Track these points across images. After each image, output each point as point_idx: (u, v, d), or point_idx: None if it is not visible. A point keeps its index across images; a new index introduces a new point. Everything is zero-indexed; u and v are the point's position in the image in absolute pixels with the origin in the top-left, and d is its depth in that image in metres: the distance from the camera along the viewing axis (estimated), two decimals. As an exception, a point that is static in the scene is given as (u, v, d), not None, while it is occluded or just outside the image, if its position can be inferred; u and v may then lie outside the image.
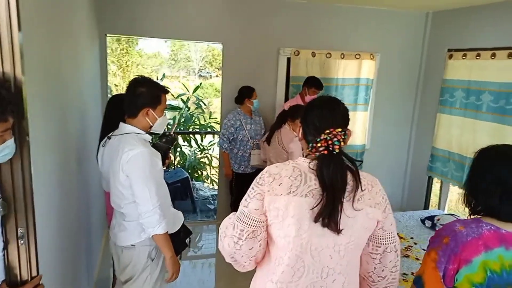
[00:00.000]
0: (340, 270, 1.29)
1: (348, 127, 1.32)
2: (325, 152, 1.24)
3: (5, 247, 1.14)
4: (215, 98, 13.67)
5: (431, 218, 3.88)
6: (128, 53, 10.62)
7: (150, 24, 3.81)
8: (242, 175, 3.92)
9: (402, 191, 5.01)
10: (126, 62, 10.41)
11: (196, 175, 6.35)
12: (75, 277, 2.28)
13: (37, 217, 1.18)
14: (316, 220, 1.23)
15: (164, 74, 7.38)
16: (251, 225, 1.30)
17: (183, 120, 6.42)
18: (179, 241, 2.10)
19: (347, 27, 4.36)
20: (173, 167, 5.95)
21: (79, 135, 2.56)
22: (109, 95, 3.98)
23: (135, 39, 10.66)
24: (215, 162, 6.60)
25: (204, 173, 6.50)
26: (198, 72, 16.29)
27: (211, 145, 6.51)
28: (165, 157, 2.24)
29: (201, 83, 7.90)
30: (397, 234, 1.38)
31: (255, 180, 1.34)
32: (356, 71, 4.45)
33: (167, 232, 1.90)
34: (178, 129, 6.29)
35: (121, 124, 1.94)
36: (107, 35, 3.81)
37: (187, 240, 2.23)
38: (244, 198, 1.34)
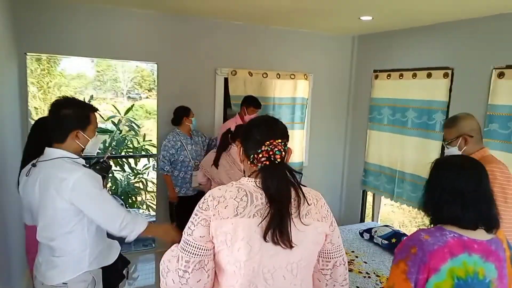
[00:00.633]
0: None
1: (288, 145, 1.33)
2: (267, 162, 1.24)
3: None
4: (146, 120, 13.25)
5: (368, 230, 4.04)
6: (50, 74, 9.88)
7: (78, 42, 3.56)
8: (183, 198, 3.76)
9: (339, 205, 5.18)
10: (48, 83, 9.67)
11: (130, 202, 6.00)
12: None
13: None
14: (265, 236, 1.19)
15: (92, 95, 6.97)
16: (198, 255, 1.22)
17: (114, 143, 6.07)
18: (116, 272, 1.97)
19: (282, 48, 4.47)
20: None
21: None
22: (30, 119, 3.62)
23: (57, 59, 9.98)
24: (151, 187, 6.31)
25: (139, 198, 6.17)
26: (127, 94, 15.76)
27: (146, 169, 6.22)
28: None
29: (133, 105, 7.59)
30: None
31: (197, 205, 1.27)
32: (292, 90, 4.56)
33: (148, 222, 1.83)
34: (110, 154, 5.92)
35: (48, 149, 1.76)
36: (27, 54, 3.48)
37: (124, 271, 2.09)
38: (187, 226, 1.26)
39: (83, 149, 1.82)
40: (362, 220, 4.94)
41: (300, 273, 1.26)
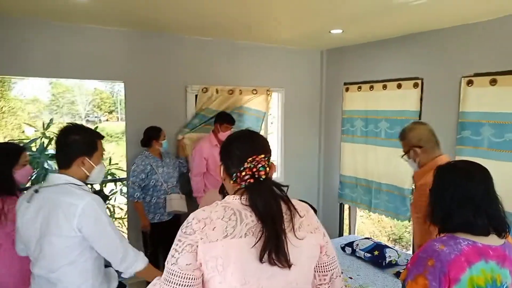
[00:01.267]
0: None
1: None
2: (251, 180, 1.16)
3: None
4: (107, 143, 12.81)
5: (350, 244, 3.97)
6: (4, 98, 9.34)
7: (36, 62, 3.32)
8: (158, 224, 3.53)
9: (316, 221, 5.11)
10: (2, 108, 9.12)
11: (97, 230, 5.64)
12: None
13: None
14: (261, 258, 1.09)
15: (51, 119, 6.59)
16: (185, 285, 1.09)
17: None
18: None
19: (252, 63, 4.42)
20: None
21: None
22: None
23: (11, 82, 9.46)
24: (118, 213, 5.99)
25: (106, 226, 5.82)
26: (86, 117, 15.29)
27: (112, 194, 5.90)
28: None
29: (97, 127, 7.25)
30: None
31: (180, 231, 1.14)
32: (253, 104, 4.43)
33: (148, 263, 1.80)
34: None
35: (52, 175, 1.71)
36: (-20, 76, 3.20)
37: None
38: (170, 255, 1.13)
39: (88, 176, 1.77)
40: (341, 234, 4.89)
41: None
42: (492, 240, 1.28)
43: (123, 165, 5.37)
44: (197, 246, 1.10)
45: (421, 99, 3.70)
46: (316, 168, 5.08)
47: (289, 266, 1.12)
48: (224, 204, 1.17)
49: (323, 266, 1.27)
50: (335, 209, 4.89)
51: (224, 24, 3.50)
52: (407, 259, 3.50)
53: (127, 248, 1.73)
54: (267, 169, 1.19)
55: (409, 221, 3.93)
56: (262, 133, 4.65)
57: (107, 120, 15.78)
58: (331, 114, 4.87)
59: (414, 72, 3.75)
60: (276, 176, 4.85)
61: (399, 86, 3.89)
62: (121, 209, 5.95)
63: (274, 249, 1.10)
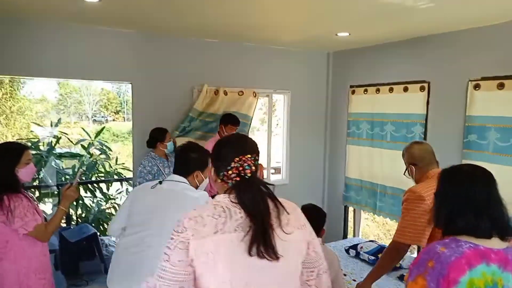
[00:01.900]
0: None
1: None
2: (237, 178, 1.23)
3: None
4: (113, 143, 12.92)
5: (354, 247, 3.97)
6: (13, 98, 9.43)
7: (47, 63, 3.37)
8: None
9: (321, 223, 5.10)
10: (11, 108, 9.21)
11: (102, 229, 5.67)
12: None
13: None
14: (250, 251, 1.15)
15: (59, 118, 6.65)
16: (177, 281, 1.14)
17: (84, 168, 5.77)
18: None
19: (258, 65, 4.44)
20: (74, 223, 5.23)
21: None
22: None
23: (20, 82, 9.56)
24: (124, 212, 6.04)
25: (112, 225, 5.86)
26: (93, 117, 15.42)
27: (118, 193, 5.94)
28: None
29: (103, 127, 7.32)
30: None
31: (172, 230, 1.21)
32: (241, 107, 4.35)
33: None
34: (80, 179, 5.62)
35: (174, 175, 2.08)
36: (-10, 75, 3.25)
37: None
38: (163, 253, 1.19)
39: (197, 186, 2.11)
40: (345, 236, 4.88)
41: (288, 285, 1.24)
42: (495, 244, 1.28)
43: (129, 165, 5.42)
44: (189, 243, 1.15)
45: (427, 103, 3.69)
46: (321, 171, 5.08)
47: (277, 258, 1.17)
48: (215, 202, 1.23)
49: (311, 262, 1.31)
50: (339, 211, 4.88)
51: (231, 26, 3.52)
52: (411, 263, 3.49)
53: None
54: (253, 167, 1.25)
55: (414, 225, 3.92)
56: (265, 135, 4.68)
57: (113, 120, 15.91)
58: (336, 117, 4.87)
59: (421, 75, 3.74)
60: (280, 177, 4.87)
61: (405, 89, 3.89)
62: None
63: (261, 242, 1.15)
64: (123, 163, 6.27)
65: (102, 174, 6.06)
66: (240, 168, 1.23)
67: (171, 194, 1.98)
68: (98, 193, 5.68)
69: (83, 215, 5.61)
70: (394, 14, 2.96)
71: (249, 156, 1.26)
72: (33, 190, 5.15)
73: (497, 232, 1.29)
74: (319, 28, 3.54)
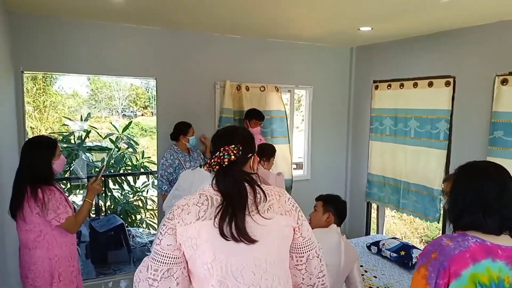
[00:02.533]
0: (266, 285, 1.28)
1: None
2: (217, 167, 1.32)
3: None
4: (142, 138, 13.23)
5: (376, 243, 3.95)
6: (46, 93, 9.84)
7: (76, 59, 3.51)
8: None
9: (343, 219, 5.08)
10: (44, 103, 9.61)
11: (130, 220, 5.88)
12: None
13: None
14: (221, 232, 1.24)
15: (89, 113, 6.90)
16: (166, 263, 1.27)
17: (113, 161, 5.98)
18: None
19: (281, 61, 4.45)
20: (103, 214, 5.44)
21: None
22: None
23: (53, 78, 9.95)
24: (150, 204, 6.21)
25: (139, 217, 6.05)
26: (122, 112, 15.79)
27: (145, 186, 6.12)
28: None
29: (130, 122, 7.53)
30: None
31: (165, 216, 1.36)
32: (270, 104, 4.38)
33: None
34: (108, 172, 5.82)
35: None
36: (24, 72, 3.42)
37: None
38: (156, 237, 1.37)
39: None
40: (367, 233, 4.85)
41: (270, 268, 1.29)
42: (504, 240, 1.28)
43: (155, 159, 5.57)
44: (176, 229, 1.27)
45: (453, 98, 3.61)
46: (343, 166, 5.05)
47: (253, 241, 1.25)
48: (201, 192, 1.35)
49: (299, 248, 1.37)
50: (362, 207, 4.85)
51: (253, 22, 3.55)
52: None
53: None
54: (232, 157, 1.32)
55: (438, 222, 3.85)
56: (305, 131, 4.72)
57: (142, 115, 16.24)
58: (359, 112, 4.82)
59: (446, 70, 3.66)
60: (302, 173, 4.88)
61: (430, 85, 3.81)
62: (153, 201, 6.16)
63: (231, 223, 1.24)
64: (149, 157, 6.45)
65: (129, 167, 6.26)
66: (222, 157, 1.32)
67: (205, 174, 2.33)
68: (125, 186, 5.88)
69: (112, 206, 5.82)
70: (417, 8, 2.91)
71: (232, 146, 1.33)
72: (64, 182, 5.39)
73: (507, 229, 1.28)
74: (341, 22, 3.52)
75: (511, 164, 3.00)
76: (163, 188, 3.60)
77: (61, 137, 5.94)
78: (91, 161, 5.88)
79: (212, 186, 1.34)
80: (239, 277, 1.26)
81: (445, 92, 3.65)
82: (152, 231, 5.63)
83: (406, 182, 4.13)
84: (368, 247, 3.92)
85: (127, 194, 5.97)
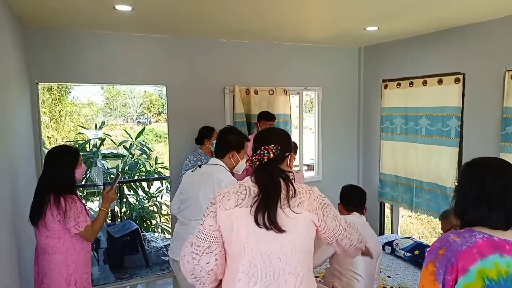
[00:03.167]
0: (290, 271, 1.44)
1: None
2: (257, 163, 1.52)
3: None
4: (156, 144, 13.37)
5: (390, 243, 3.93)
6: (61, 103, 10.07)
7: (88, 69, 3.61)
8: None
9: (356, 219, 5.06)
10: (59, 112, 9.84)
11: (145, 226, 5.96)
12: None
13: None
14: (256, 220, 1.41)
15: (103, 121, 7.05)
16: (207, 241, 1.48)
17: (127, 167, 6.08)
18: None
19: (288, 64, 4.47)
20: (119, 220, 5.54)
21: (12, 199, 2.34)
22: (44, 149, 3.66)
23: (68, 88, 10.18)
24: (165, 209, 6.28)
25: (154, 222, 6.14)
26: (137, 119, 15.99)
27: (159, 192, 6.20)
28: None
29: (143, 129, 7.66)
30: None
31: (209, 202, 1.55)
32: (278, 107, 4.39)
33: None
34: (122, 178, 5.92)
35: (213, 159, 2.40)
36: (39, 83, 3.54)
37: None
38: (200, 218, 1.53)
39: (234, 166, 2.39)
40: (381, 233, 4.82)
41: (295, 256, 1.45)
42: (511, 236, 1.28)
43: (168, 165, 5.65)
44: (217, 212, 1.48)
45: (463, 95, 3.57)
46: (355, 167, 5.03)
47: (282, 231, 1.41)
48: (241, 182, 1.55)
49: (327, 238, 1.57)
50: (375, 207, 4.82)
51: (260, 27, 3.59)
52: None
53: None
54: (271, 155, 1.51)
55: (452, 221, 3.80)
56: (297, 130, 4.71)
57: (156, 121, 16.41)
58: (369, 112, 4.81)
59: (455, 67, 3.63)
60: (313, 174, 4.88)
61: (439, 82, 3.78)
62: (167, 206, 6.23)
63: (265, 213, 1.41)
64: (162, 163, 6.54)
65: (144, 173, 6.36)
66: (262, 155, 1.51)
67: (204, 175, 2.33)
68: (140, 191, 5.97)
69: (127, 212, 5.92)
70: (424, 6, 2.90)
71: (272, 145, 1.53)
72: (80, 189, 5.51)
73: None
74: (347, 23, 3.53)
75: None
76: None
77: (77, 146, 6.08)
78: (106, 168, 6.00)
79: (251, 179, 1.52)
80: (267, 260, 1.43)
81: (455, 89, 3.62)
82: (167, 236, 5.69)
83: (419, 180, 4.10)
84: (382, 247, 3.89)
85: (142, 200, 6.06)
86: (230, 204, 1.47)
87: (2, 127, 2.26)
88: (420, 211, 4.14)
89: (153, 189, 6.22)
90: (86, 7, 2.82)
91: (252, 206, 1.44)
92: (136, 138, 6.48)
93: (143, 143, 6.74)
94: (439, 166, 3.85)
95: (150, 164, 6.51)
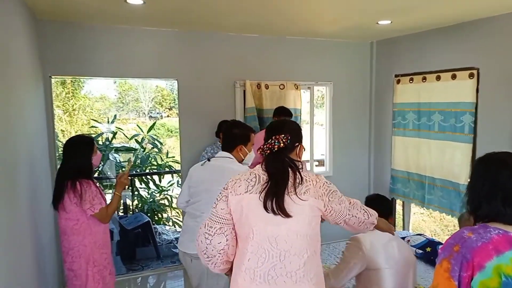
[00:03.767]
0: (295, 252, 1.53)
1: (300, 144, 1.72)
2: (268, 152, 1.63)
3: None
4: (168, 138, 13.47)
5: (400, 239, 3.90)
6: (74, 97, 10.21)
7: (101, 63, 3.64)
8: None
9: (367, 215, 5.03)
10: (73, 106, 9.98)
11: (157, 218, 6.03)
12: None
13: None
14: (265, 205, 1.52)
15: (115, 115, 7.12)
16: (219, 222, 1.61)
17: (139, 161, 6.15)
18: None
19: (300, 58, 4.45)
20: (131, 212, 5.61)
21: (30, 189, 2.45)
22: (58, 142, 3.71)
23: (81, 82, 10.31)
24: (176, 203, 6.34)
25: (165, 215, 6.20)
26: (149, 113, 16.13)
27: (170, 185, 6.26)
28: None
29: (155, 122, 7.72)
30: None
31: (222, 188, 1.66)
32: (288, 101, 4.36)
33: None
34: (134, 171, 5.99)
35: (221, 152, 2.40)
36: (52, 77, 3.58)
37: None
38: (213, 202, 1.65)
39: (242, 159, 2.39)
40: (392, 229, 4.77)
41: (300, 239, 1.54)
42: None
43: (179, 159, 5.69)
44: (228, 197, 1.61)
45: (477, 90, 3.50)
46: (366, 162, 5.00)
47: (288, 216, 1.52)
48: (252, 170, 1.66)
49: (334, 219, 1.66)
50: (386, 204, 4.77)
51: (271, 21, 3.57)
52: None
53: None
54: (281, 144, 1.62)
55: (465, 218, 3.75)
56: (307, 126, 4.69)
57: (167, 116, 16.53)
58: (381, 107, 4.76)
59: (469, 62, 3.56)
60: (324, 170, 4.86)
61: (453, 77, 3.71)
62: (178, 199, 6.29)
63: (273, 199, 1.52)
64: (173, 157, 6.59)
65: (155, 167, 6.41)
66: (273, 144, 1.62)
67: (215, 168, 2.34)
68: (151, 185, 6.03)
69: (139, 205, 5.99)
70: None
71: (282, 135, 1.63)
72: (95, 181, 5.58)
73: None
74: (359, 17, 3.49)
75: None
76: None
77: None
78: (118, 161, 6.08)
79: (261, 167, 1.63)
80: (274, 243, 1.54)
81: (469, 84, 3.56)
82: (178, 229, 5.75)
83: (431, 177, 4.05)
84: (392, 244, 3.86)
85: (153, 193, 6.12)
86: (241, 190, 1.59)
87: (20, 119, 2.34)
88: (432, 208, 4.09)
89: (164, 182, 6.27)
90: (98, 0, 2.84)
91: (261, 193, 1.55)
92: (147, 132, 6.54)
93: (155, 137, 6.80)
94: (452, 162, 3.80)
95: (161, 157, 6.57)
